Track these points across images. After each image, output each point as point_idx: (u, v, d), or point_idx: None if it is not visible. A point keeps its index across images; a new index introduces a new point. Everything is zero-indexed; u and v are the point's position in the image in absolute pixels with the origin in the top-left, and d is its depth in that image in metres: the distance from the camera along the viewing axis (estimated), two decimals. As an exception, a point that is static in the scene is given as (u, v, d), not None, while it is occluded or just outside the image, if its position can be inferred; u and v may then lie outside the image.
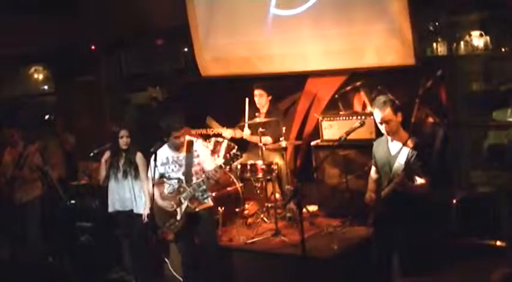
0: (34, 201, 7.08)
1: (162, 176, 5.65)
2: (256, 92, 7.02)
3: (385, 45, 6.58)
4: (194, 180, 5.54)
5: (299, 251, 5.10)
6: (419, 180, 4.68)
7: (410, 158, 4.66)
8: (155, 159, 5.50)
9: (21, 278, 6.74)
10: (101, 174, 6.24)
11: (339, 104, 7.01)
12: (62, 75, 9.45)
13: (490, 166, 6.33)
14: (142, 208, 5.99)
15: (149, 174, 5.61)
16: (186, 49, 8.71)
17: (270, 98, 7.04)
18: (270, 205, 6.68)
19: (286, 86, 7.67)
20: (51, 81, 9.76)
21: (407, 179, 4.65)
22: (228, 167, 5.82)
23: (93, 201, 7.28)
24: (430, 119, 6.55)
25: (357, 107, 7.07)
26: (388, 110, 4.77)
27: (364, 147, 6.00)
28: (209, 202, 5.70)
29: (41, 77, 9.74)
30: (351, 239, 6.03)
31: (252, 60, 7.64)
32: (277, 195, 6.87)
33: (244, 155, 6.68)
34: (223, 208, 6.44)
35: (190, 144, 5.68)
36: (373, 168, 5.10)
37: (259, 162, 6.64)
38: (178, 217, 5.57)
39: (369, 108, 6.74)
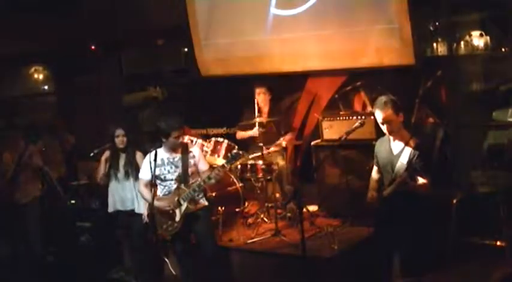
0: (34, 201, 7.07)
1: (156, 177, 5.54)
2: (259, 90, 7.04)
3: (385, 45, 6.58)
4: (190, 181, 5.52)
5: (299, 251, 5.10)
6: (422, 180, 4.68)
7: (413, 157, 4.66)
8: (155, 159, 5.47)
9: (21, 277, 6.75)
10: (99, 172, 6.23)
11: (339, 104, 7.02)
12: (62, 75, 9.45)
13: (490, 166, 6.32)
14: (143, 208, 5.99)
15: (148, 174, 5.57)
16: (186, 49, 8.71)
17: (270, 97, 7.06)
18: (270, 205, 6.68)
19: (286, 86, 7.68)
20: (51, 81, 9.76)
21: (410, 179, 4.65)
22: (228, 167, 5.80)
23: (93, 201, 7.29)
24: (430, 119, 6.56)
25: (357, 107, 7.08)
26: (390, 110, 4.76)
27: (365, 147, 6.01)
28: (204, 202, 5.66)
29: (41, 77, 9.74)
30: (351, 239, 6.03)
31: (252, 60, 7.65)
32: (278, 195, 6.87)
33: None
34: (223, 208, 6.44)
35: (186, 145, 5.67)
36: (375, 168, 5.10)
37: (260, 162, 6.65)
38: (177, 219, 5.51)
39: (369, 108, 6.75)
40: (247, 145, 7.09)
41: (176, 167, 5.54)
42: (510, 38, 6.34)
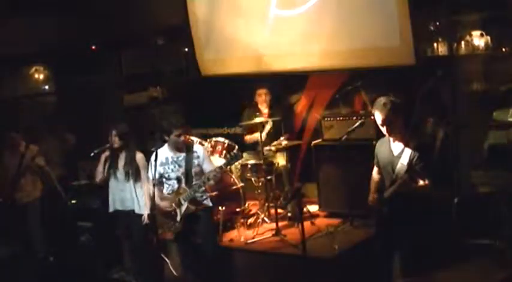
0: (35, 201, 7.08)
1: (161, 176, 5.62)
2: (260, 91, 7.04)
3: (385, 45, 6.58)
4: (194, 181, 5.53)
5: (300, 251, 5.11)
6: (422, 182, 4.67)
7: (413, 159, 4.65)
8: (156, 159, 5.48)
9: (21, 277, 6.75)
10: (98, 171, 6.23)
11: (339, 104, 7.02)
12: (62, 75, 9.44)
13: (490, 166, 6.32)
14: (144, 209, 6.00)
15: (150, 174, 5.59)
16: (186, 49, 8.71)
17: (271, 98, 7.07)
18: (270, 205, 6.68)
19: (286, 86, 7.68)
20: (51, 81, 9.74)
21: (410, 180, 4.64)
22: (228, 168, 5.81)
23: (93, 201, 7.28)
24: (430, 119, 6.56)
25: (357, 107, 7.08)
26: (389, 112, 4.74)
27: (365, 147, 6.01)
28: (208, 203, 5.68)
29: (41, 77, 9.72)
30: (351, 239, 6.03)
31: (252, 60, 7.64)
32: (278, 195, 6.86)
33: (244, 155, 6.71)
34: (223, 208, 6.45)
35: (190, 144, 5.67)
36: (376, 169, 5.09)
37: (260, 162, 6.64)
38: (178, 218, 5.55)
39: (369, 108, 6.74)
40: (255, 146, 7.07)
41: (179, 166, 5.56)
42: (510, 38, 6.34)
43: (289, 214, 6.82)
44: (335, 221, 6.55)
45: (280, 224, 6.42)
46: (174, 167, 5.58)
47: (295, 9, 7.10)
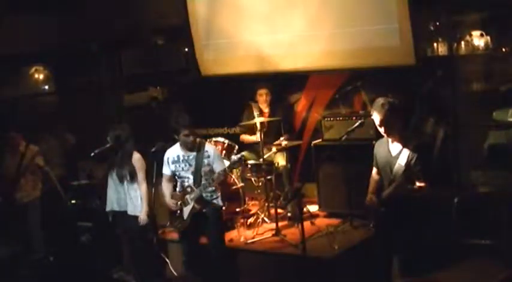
0: (35, 201, 7.09)
1: (173, 174, 5.72)
2: (261, 91, 7.05)
3: (385, 45, 6.58)
4: (203, 181, 5.55)
5: (300, 251, 5.11)
6: (419, 183, 4.66)
7: (411, 160, 4.65)
8: (155, 159, 5.53)
9: (21, 277, 6.75)
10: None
11: (339, 104, 7.02)
12: (62, 75, 9.44)
13: (490, 166, 6.32)
14: (139, 211, 5.99)
15: (164, 171, 5.71)
16: (186, 49, 8.70)
17: (271, 98, 7.07)
18: (270, 205, 6.68)
19: (286, 86, 7.68)
20: (51, 81, 9.74)
21: (407, 182, 4.63)
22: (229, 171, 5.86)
23: (93, 201, 7.28)
24: (430, 119, 6.55)
25: (357, 107, 7.07)
26: (387, 112, 4.74)
27: (364, 147, 6.00)
28: (218, 202, 5.72)
29: (41, 77, 9.72)
30: (351, 239, 6.03)
31: (252, 60, 7.64)
32: (278, 195, 6.86)
33: (245, 154, 6.70)
34: (224, 208, 6.43)
35: (201, 144, 5.70)
36: (374, 169, 5.10)
37: (260, 162, 6.64)
38: (185, 217, 5.62)
39: (369, 108, 6.74)
40: (252, 145, 7.08)
41: (190, 165, 5.62)
42: (510, 38, 6.34)
43: (289, 214, 6.82)
44: (335, 221, 6.55)
45: (280, 224, 6.41)
46: (185, 165, 5.64)
47: (295, 9, 7.09)
